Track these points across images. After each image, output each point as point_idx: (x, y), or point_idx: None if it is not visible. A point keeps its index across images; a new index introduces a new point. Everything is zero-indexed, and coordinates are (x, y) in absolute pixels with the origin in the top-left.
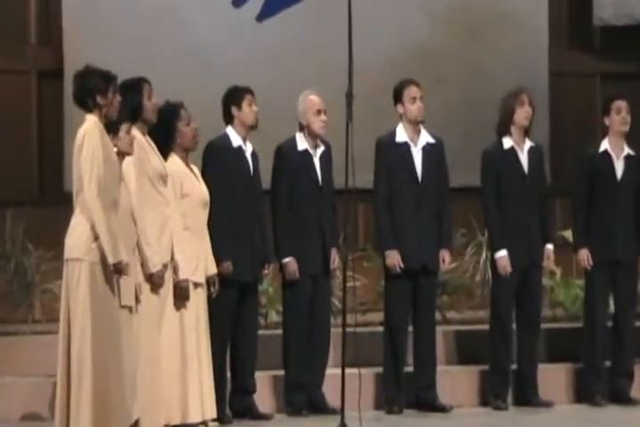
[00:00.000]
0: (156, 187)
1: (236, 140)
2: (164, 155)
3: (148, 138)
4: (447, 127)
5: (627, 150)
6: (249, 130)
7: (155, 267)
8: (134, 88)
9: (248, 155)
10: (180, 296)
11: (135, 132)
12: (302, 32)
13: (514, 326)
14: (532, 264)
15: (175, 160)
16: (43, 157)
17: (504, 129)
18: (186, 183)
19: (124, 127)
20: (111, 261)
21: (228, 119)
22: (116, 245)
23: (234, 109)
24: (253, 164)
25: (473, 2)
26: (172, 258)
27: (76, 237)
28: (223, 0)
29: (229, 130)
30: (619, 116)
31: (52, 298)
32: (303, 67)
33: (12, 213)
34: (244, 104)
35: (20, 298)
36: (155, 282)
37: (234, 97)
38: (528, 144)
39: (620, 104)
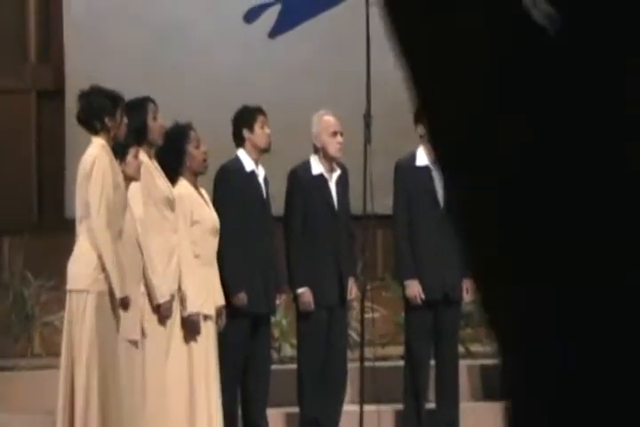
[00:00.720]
0: (163, 212)
1: (248, 164)
2: (173, 179)
3: (154, 161)
4: None
5: None
6: (261, 153)
7: (162, 297)
8: (138, 108)
9: (261, 179)
10: (190, 330)
11: (141, 155)
12: (317, 48)
13: None
14: None
15: (184, 185)
16: (42, 181)
17: None
18: (196, 209)
19: (131, 151)
20: (118, 295)
21: (239, 142)
22: (124, 278)
23: (245, 132)
24: (266, 189)
25: None
26: (180, 288)
27: (81, 266)
28: (234, 15)
29: (241, 153)
30: None
31: (53, 331)
32: (318, 85)
33: (10, 241)
34: (257, 126)
35: (19, 331)
36: (162, 313)
37: (245, 118)
38: None
39: None
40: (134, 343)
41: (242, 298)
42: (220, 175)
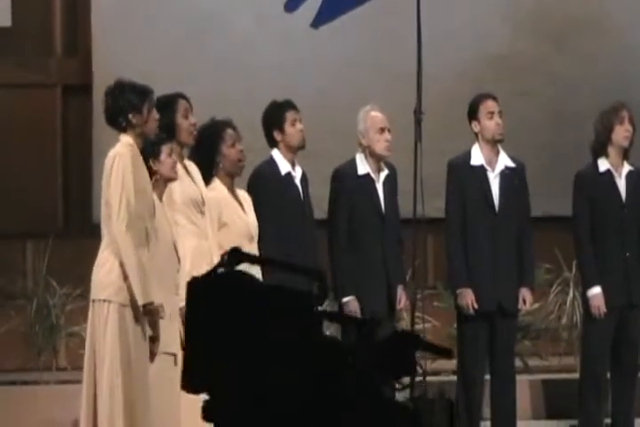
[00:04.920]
0: (189, 216)
1: (283, 165)
2: (206, 180)
3: (188, 162)
4: (529, 148)
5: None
6: (296, 151)
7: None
8: (167, 105)
9: (297, 181)
10: None
11: None
12: (363, 40)
13: (608, 374)
14: (630, 305)
15: (217, 186)
16: (68, 182)
17: (600, 149)
18: (226, 212)
19: (165, 149)
20: (140, 301)
21: (272, 143)
22: (147, 285)
23: (276, 134)
24: (303, 189)
25: (559, 6)
26: None
27: (104, 274)
28: (273, 4)
29: (275, 153)
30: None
31: (79, 342)
32: (364, 79)
33: (33, 246)
34: (287, 125)
35: (43, 342)
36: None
37: (274, 118)
38: (627, 168)
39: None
40: (173, 357)
41: None
42: (254, 179)
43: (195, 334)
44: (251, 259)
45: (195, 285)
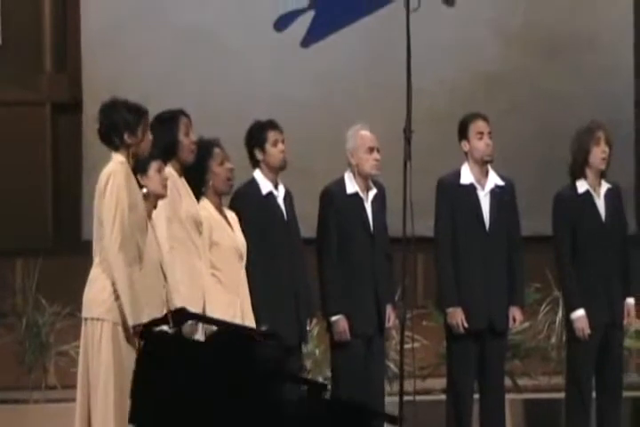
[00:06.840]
0: (190, 234)
1: (265, 185)
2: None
3: (184, 180)
4: (519, 165)
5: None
6: (278, 171)
7: None
8: (169, 122)
9: (280, 200)
10: None
11: (170, 170)
12: (353, 58)
13: (594, 393)
14: (613, 324)
15: (206, 205)
16: (58, 200)
17: (578, 171)
18: (216, 231)
19: (154, 165)
20: (131, 322)
21: (255, 163)
22: (138, 305)
23: (257, 153)
24: (287, 208)
25: (549, 22)
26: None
27: (96, 292)
28: (264, 23)
29: (257, 174)
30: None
31: (69, 361)
32: (354, 97)
33: (23, 264)
34: (268, 145)
35: (33, 361)
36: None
37: (255, 138)
38: (605, 186)
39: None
40: None
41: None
42: (235, 200)
43: (141, 379)
44: (196, 318)
45: (147, 338)
